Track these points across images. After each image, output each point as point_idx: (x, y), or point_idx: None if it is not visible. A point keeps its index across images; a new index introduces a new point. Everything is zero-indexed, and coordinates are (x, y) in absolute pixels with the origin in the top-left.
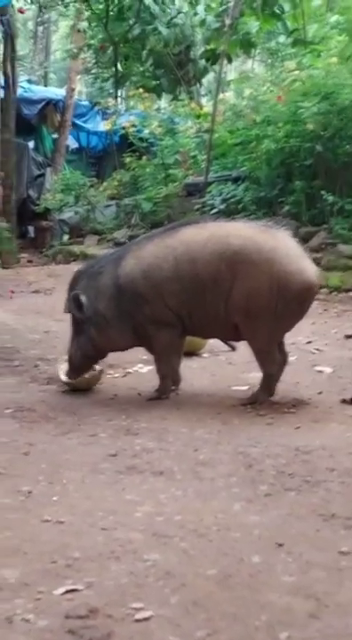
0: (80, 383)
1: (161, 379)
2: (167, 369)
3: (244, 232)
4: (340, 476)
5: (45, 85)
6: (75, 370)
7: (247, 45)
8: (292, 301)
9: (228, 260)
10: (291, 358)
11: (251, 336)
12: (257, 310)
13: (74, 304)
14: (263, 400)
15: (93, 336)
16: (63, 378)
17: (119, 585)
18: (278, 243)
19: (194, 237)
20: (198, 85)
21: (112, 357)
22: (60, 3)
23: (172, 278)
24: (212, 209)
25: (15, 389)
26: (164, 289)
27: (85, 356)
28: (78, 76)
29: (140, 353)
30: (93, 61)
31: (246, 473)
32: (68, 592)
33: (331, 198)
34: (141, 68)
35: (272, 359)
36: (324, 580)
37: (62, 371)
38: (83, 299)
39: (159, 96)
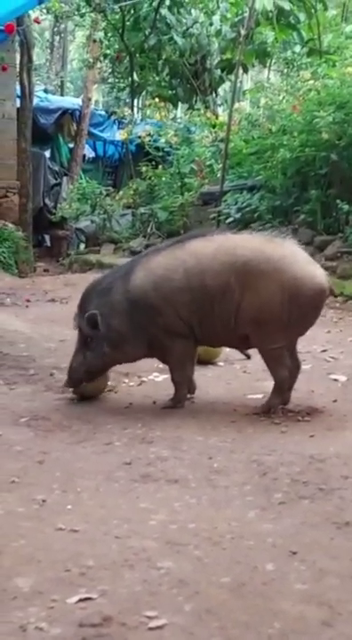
0: (88, 390)
1: (176, 387)
2: (182, 378)
3: (252, 243)
4: None
5: (62, 95)
6: (74, 382)
7: (263, 55)
8: (303, 307)
9: (237, 271)
10: (305, 367)
11: (261, 344)
12: (268, 320)
13: (89, 323)
14: (276, 406)
15: (107, 352)
16: None
17: (133, 593)
18: (286, 251)
19: (203, 249)
20: (214, 95)
21: (127, 366)
22: (76, 13)
23: (182, 289)
24: (227, 218)
25: (30, 398)
26: (176, 300)
27: (89, 371)
28: (95, 86)
29: (156, 362)
30: (110, 71)
31: (260, 481)
32: (81, 600)
33: (346, 207)
34: (157, 78)
35: (282, 364)
36: (338, 587)
37: None
38: (99, 319)
39: (175, 105)
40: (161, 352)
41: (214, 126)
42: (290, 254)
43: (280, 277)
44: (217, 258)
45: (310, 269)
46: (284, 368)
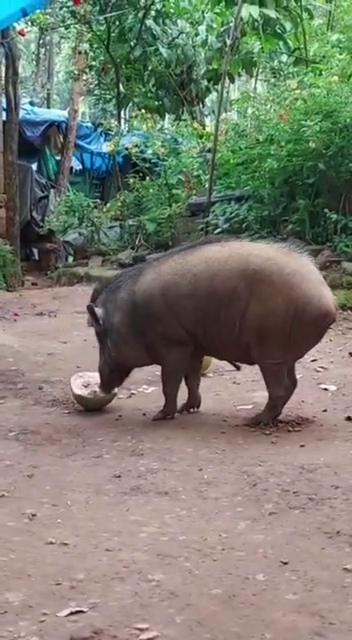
0: (92, 402)
1: (167, 399)
2: (174, 389)
3: (266, 252)
4: (345, 494)
5: (48, 107)
6: (104, 384)
7: (249, 65)
8: (307, 326)
9: (247, 278)
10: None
11: (261, 357)
12: (270, 331)
13: (89, 316)
14: (266, 422)
15: (111, 349)
16: (78, 391)
17: (123, 606)
18: (299, 266)
19: (215, 254)
20: (201, 105)
21: None
22: (61, 25)
23: (188, 295)
24: (215, 229)
25: (19, 412)
26: (180, 307)
27: (112, 369)
28: (81, 98)
29: (145, 374)
30: (96, 83)
31: (251, 492)
32: (72, 614)
33: (334, 216)
34: (144, 89)
35: (280, 382)
36: (329, 597)
37: (77, 385)
38: (98, 311)
39: (162, 116)
40: (155, 360)
41: (201, 137)
42: (303, 271)
43: (288, 291)
44: (228, 263)
45: (320, 290)
46: (281, 387)
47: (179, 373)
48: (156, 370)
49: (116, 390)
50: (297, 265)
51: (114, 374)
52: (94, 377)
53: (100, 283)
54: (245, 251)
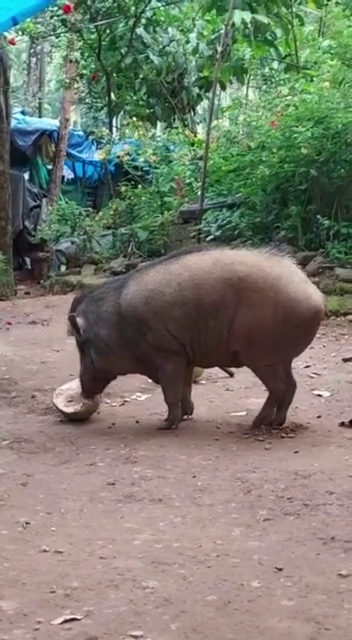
0: (78, 413)
1: (169, 408)
2: (175, 398)
3: (250, 259)
4: (339, 499)
5: (40, 116)
6: (86, 391)
7: (240, 72)
8: (297, 328)
9: (233, 286)
10: None
11: (252, 362)
12: (260, 337)
13: (70, 326)
14: (269, 416)
15: (95, 358)
16: (62, 408)
17: (118, 613)
18: (283, 270)
19: (198, 263)
20: (192, 113)
21: (109, 386)
22: (51, 33)
23: (174, 304)
24: (207, 236)
25: (12, 420)
26: (166, 314)
27: (93, 377)
28: (72, 107)
29: (138, 381)
30: (87, 91)
31: (245, 498)
32: (66, 622)
33: (327, 222)
34: (135, 97)
35: (276, 376)
36: (324, 603)
37: (60, 400)
38: (79, 321)
39: (153, 124)
40: (152, 371)
41: (193, 144)
42: (287, 273)
43: (275, 296)
44: (212, 273)
45: (306, 289)
46: (279, 380)
47: (177, 381)
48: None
49: (100, 397)
50: (280, 268)
51: (96, 382)
52: (73, 388)
53: (80, 292)
54: (229, 259)
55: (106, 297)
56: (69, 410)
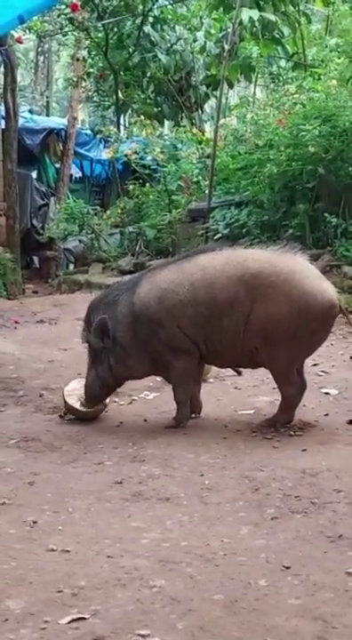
0: (88, 412)
1: (178, 406)
2: (185, 396)
3: (262, 256)
4: (347, 497)
5: (48, 115)
6: (92, 399)
7: (247, 70)
8: (313, 322)
9: (246, 283)
10: None
11: (270, 359)
12: (276, 333)
13: (99, 331)
14: (282, 422)
15: (113, 365)
16: (72, 403)
17: (125, 612)
18: (296, 265)
19: (211, 262)
20: (200, 111)
21: None
22: (59, 32)
23: (187, 303)
24: (215, 234)
25: (20, 419)
26: (179, 313)
27: (104, 385)
28: (80, 105)
29: (146, 380)
30: (94, 90)
31: (252, 497)
32: (73, 621)
33: (334, 220)
34: (142, 95)
35: (291, 381)
36: (332, 601)
37: (74, 401)
38: (109, 323)
39: (161, 123)
40: (163, 369)
41: (201, 142)
42: (300, 269)
43: (289, 291)
44: (225, 271)
45: (320, 284)
46: (293, 386)
47: (188, 380)
48: (157, 376)
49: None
50: (293, 264)
51: (107, 390)
52: (79, 388)
53: (94, 299)
54: (241, 257)
55: (119, 299)
56: (84, 408)
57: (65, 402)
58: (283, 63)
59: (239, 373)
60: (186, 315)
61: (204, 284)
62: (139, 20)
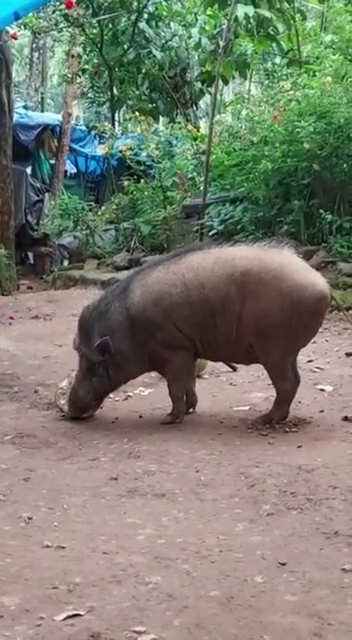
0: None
1: (174, 402)
2: (181, 392)
3: (249, 253)
4: (343, 494)
5: (42, 111)
6: (81, 409)
7: (242, 67)
8: (305, 315)
9: (236, 282)
10: None
11: (264, 354)
12: (270, 329)
13: (101, 350)
14: (277, 418)
15: (112, 375)
16: (62, 405)
17: (121, 609)
18: (284, 259)
19: (201, 263)
20: (195, 107)
21: None
22: (54, 28)
23: (182, 304)
24: (210, 230)
25: (15, 415)
26: (175, 314)
27: (98, 396)
28: (75, 101)
29: (141, 376)
30: (89, 86)
31: (248, 493)
32: (69, 617)
33: (329, 217)
34: (137, 92)
35: (285, 376)
36: (328, 598)
37: (64, 403)
38: (111, 344)
39: (156, 119)
40: (160, 366)
41: (196, 139)
42: (289, 262)
43: (279, 285)
44: (215, 271)
45: (310, 277)
46: (287, 381)
47: (184, 375)
48: (151, 372)
49: None
50: (281, 259)
51: (99, 400)
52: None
53: (84, 310)
54: (229, 255)
55: (112, 307)
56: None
57: (56, 403)
58: (278, 60)
59: (234, 369)
60: (181, 314)
61: (195, 285)
62: (134, 17)
